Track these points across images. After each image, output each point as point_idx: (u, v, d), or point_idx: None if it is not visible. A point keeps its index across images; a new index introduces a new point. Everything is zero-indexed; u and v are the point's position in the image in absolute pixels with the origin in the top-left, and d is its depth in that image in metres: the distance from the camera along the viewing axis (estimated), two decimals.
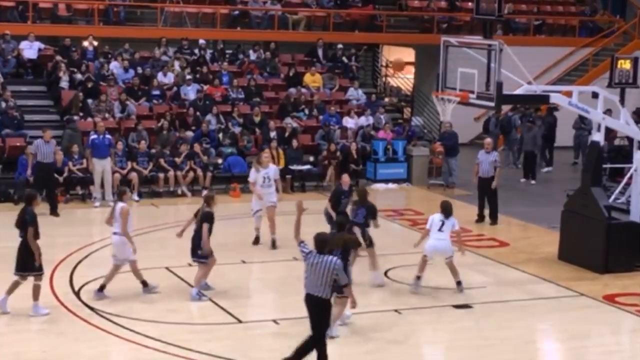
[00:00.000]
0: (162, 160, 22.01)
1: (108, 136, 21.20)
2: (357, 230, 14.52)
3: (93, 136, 21.07)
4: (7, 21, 26.32)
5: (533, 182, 24.92)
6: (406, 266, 16.15)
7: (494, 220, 19.98)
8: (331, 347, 12.38)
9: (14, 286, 13.24)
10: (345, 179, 16.26)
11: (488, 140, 20.68)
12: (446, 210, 14.78)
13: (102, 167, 20.81)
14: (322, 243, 10.91)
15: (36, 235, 13.17)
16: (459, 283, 14.88)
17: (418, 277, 14.83)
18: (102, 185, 20.86)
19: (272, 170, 17.70)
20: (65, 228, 18.79)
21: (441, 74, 16.68)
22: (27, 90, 24.81)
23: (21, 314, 13.23)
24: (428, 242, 14.72)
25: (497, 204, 19.96)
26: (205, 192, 15.33)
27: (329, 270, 10.73)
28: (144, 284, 14.30)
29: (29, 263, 13.12)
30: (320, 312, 10.88)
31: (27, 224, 13.06)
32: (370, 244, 15.00)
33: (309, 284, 10.87)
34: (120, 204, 14.09)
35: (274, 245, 17.16)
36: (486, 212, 20.11)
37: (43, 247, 17.20)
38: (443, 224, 14.69)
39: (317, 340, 10.89)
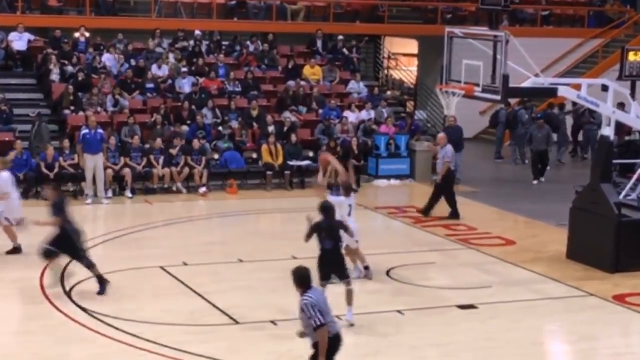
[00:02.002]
0: (152, 157, 21.96)
1: (100, 131, 21.19)
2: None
3: (85, 131, 21.06)
4: None
5: (542, 179, 24.78)
6: (409, 265, 16.19)
7: (426, 212, 19.98)
8: None
9: (349, 295, 12.96)
10: (48, 192, 14.92)
11: (441, 135, 20.73)
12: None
13: (94, 163, 20.80)
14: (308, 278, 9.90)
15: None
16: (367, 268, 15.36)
17: (367, 267, 15.31)
18: (94, 182, 20.85)
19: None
20: None
21: (445, 66, 16.69)
22: (16, 84, 24.83)
23: (11, 316, 13.24)
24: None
25: (439, 199, 19.99)
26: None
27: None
28: None
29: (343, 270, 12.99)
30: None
31: (338, 234, 12.96)
32: None
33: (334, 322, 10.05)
34: None
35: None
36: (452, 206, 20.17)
37: (33, 245, 17.31)
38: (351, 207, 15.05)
39: None
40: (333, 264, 12.92)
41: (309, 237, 12.96)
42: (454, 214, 20.01)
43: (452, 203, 20.10)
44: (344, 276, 13.03)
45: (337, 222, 13.16)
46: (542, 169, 25.07)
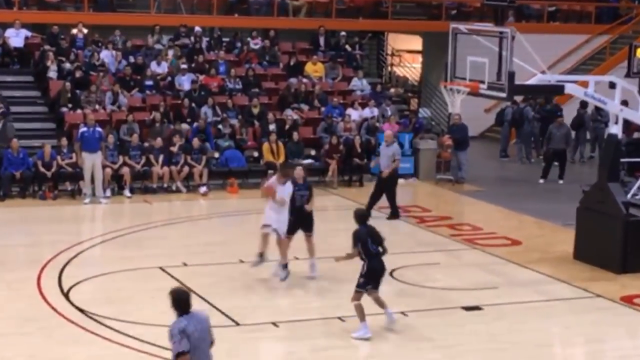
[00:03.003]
0: (151, 156, 21.94)
1: (98, 129, 21.19)
2: None
3: (83, 129, 21.06)
4: None
5: (561, 181, 24.50)
6: (412, 266, 16.19)
7: (393, 214, 19.72)
8: (331, 351, 12.41)
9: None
10: None
11: (388, 132, 20.69)
12: None
13: (92, 162, 20.80)
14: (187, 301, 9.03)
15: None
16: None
17: (285, 266, 15.22)
18: (93, 181, 20.86)
19: None
20: (54, 225, 18.82)
21: (450, 63, 16.68)
22: (13, 81, 24.83)
23: (8, 317, 13.26)
24: None
25: (394, 197, 19.75)
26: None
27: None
28: None
29: None
30: None
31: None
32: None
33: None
34: None
35: None
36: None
37: (30, 245, 17.36)
38: None
39: None
40: (382, 270, 12.72)
41: (355, 247, 12.60)
42: (394, 214, 19.76)
43: (394, 202, 19.88)
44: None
45: (373, 229, 12.83)
46: (560, 169, 24.64)
